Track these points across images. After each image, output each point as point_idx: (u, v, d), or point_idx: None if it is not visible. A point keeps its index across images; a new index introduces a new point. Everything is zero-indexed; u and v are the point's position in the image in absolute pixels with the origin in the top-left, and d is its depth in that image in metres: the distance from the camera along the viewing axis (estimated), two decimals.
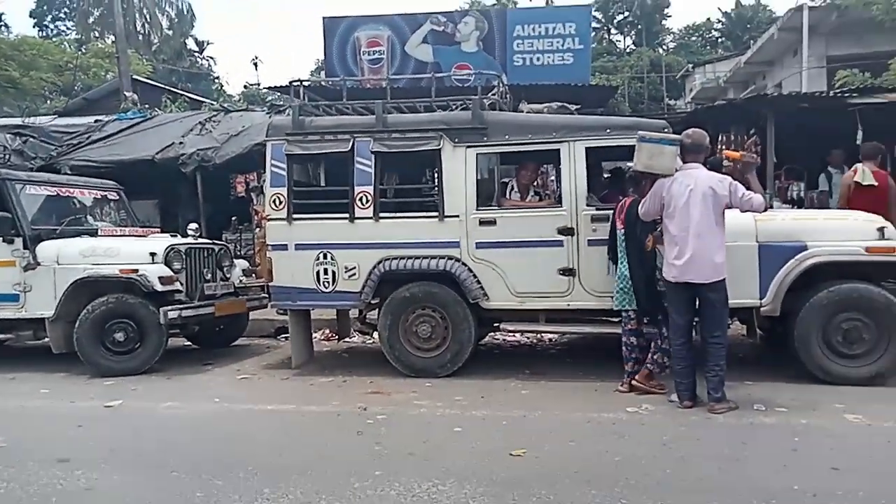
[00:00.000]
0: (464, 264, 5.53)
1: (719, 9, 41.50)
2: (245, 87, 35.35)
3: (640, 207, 4.77)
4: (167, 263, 6.28)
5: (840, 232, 5.08)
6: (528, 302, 5.50)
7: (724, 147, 8.97)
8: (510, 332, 6.23)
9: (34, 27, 36.57)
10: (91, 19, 31.68)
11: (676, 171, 4.55)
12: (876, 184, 6.55)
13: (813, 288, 4.94)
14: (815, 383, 4.87)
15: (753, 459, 3.55)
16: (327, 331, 7.51)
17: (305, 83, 6.70)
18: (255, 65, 42.74)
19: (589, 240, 5.37)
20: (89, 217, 7.42)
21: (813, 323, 4.88)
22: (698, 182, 4.42)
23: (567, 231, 5.39)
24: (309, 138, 5.83)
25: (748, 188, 4.52)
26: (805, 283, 4.97)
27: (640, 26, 40.44)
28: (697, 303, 4.52)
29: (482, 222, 5.54)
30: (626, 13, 41.32)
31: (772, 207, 4.70)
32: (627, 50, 40.24)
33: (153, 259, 6.24)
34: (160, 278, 6.12)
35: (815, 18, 15.92)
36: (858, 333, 4.84)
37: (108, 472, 3.64)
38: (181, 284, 6.35)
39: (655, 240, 4.78)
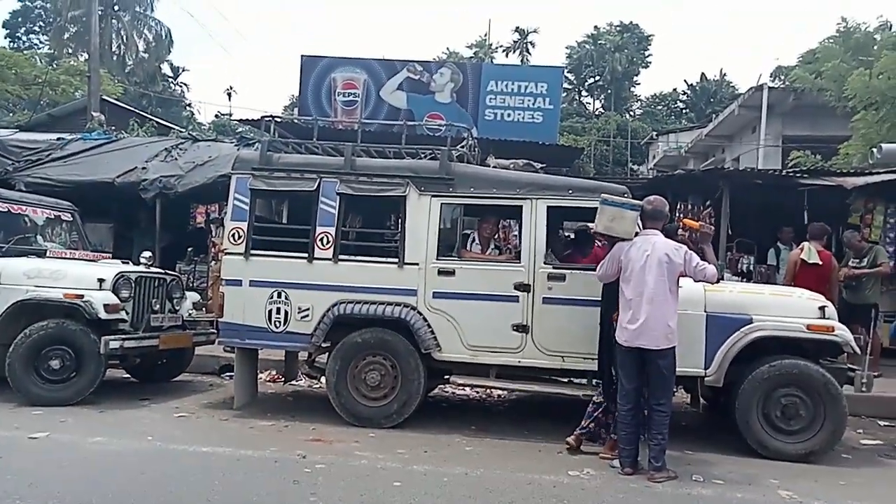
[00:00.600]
0: (419, 313, 5.51)
1: (685, 81, 43.32)
2: (216, 116, 35.27)
3: (598, 269, 4.86)
4: (115, 291, 6.10)
5: (784, 308, 5.23)
6: (480, 355, 5.49)
7: (682, 215, 9.24)
8: (460, 385, 6.18)
9: (6, 38, 36.11)
10: (66, 35, 31.40)
11: (636, 235, 4.66)
12: (820, 263, 6.82)
13: (755, 361, 5.05)
14: (753, 456, 4.93)
15: None
16: (274, 372, 7.35)
17: (277, 119, 6.71)
18: (229, 95, 42.59)
19: (544, 297, 5.41)
20: (39, 237, 7.22)
21: (754, 396, 4.97)
22: (655, 248, 4.52)
23: (523, 287, 5.43)
24: (275, 174, 5.81)
25: (703, 258, 4.66)
26: (748, 356, 5.08)
27: (609, 91, 41.91)
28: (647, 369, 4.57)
29: (441, 272, 5.55)
30: (598, 77, 42.81)
31: (722, 279, 4.83)
32: (596, 112, 41.54)
33: (101, 285, 6.06)
34: (105, 305, 5.93)
35: (773, 98, 16.74)
36: (796, 409, 4.94)
37: None
38: (127, 313, 6.17)
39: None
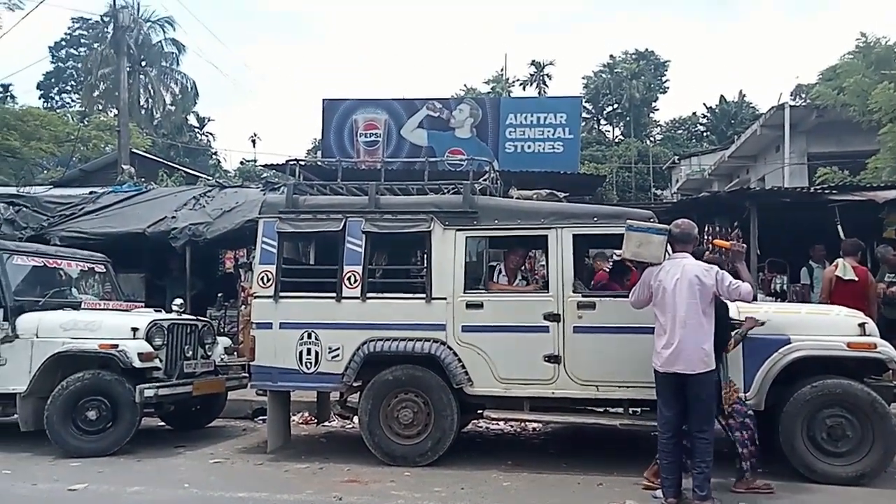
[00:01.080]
0: (449, 348, 5.49)
1: (704, 104, 43.21)
2: (241, 163, 36.08)
3: (630, 296, 4.81)
4: (148, 339, 6.18)
5: (823, 327, 5.11)
6: (512, 388, 5.43)
7: (710, 237, 9.13)
8: (493, 419, 6.10)
9: (40, 98, 37.52)
10: (96, 93, 32.54)
11: (665, 259, 4.61)
12: (857, 279, 6.65)
13: (797, 382, 4.92)
14: (800, 481, 4.76)
15: None
16: (306, 414, 7.34)
17: (301, 162, 6.84)
18: (253, 142, 43.61)
19: (575, 326, 5.36)
20: (74, 289, 7.37)
21: (797, 418, 4.83)
22: (685, 271, 4.46)
23: (553, 317, 5.39)
24: (301, 216, 5.89)
25: (738, 277, 4.58)
26: (788, 378, 4.95)
27: (628, 118, 41.95)
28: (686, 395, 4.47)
29: (469, 305, 5.54)
30: (616, 105, 42.96)
31: (756, 299, 4.74)
32: (616, 140, 41.59)
33: (135, 334, 6.14)
34: (140, 354, 6.01)
35: (796, 117, 16.61)
36: (843, 430, 4.79)
37: None
38: (161, 361, 6.23)
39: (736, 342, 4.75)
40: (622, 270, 6.19)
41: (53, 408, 5.87)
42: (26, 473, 5.33)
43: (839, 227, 8.31)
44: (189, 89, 35.41)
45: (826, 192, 9.00)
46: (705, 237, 9.06)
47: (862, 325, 5.03)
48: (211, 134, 42.51)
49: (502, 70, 39.26)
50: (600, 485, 4.86)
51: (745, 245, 4.90)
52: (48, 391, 5.97)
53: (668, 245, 4.69)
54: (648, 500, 4.45)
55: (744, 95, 41.49)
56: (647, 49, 43.43)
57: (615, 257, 8.31)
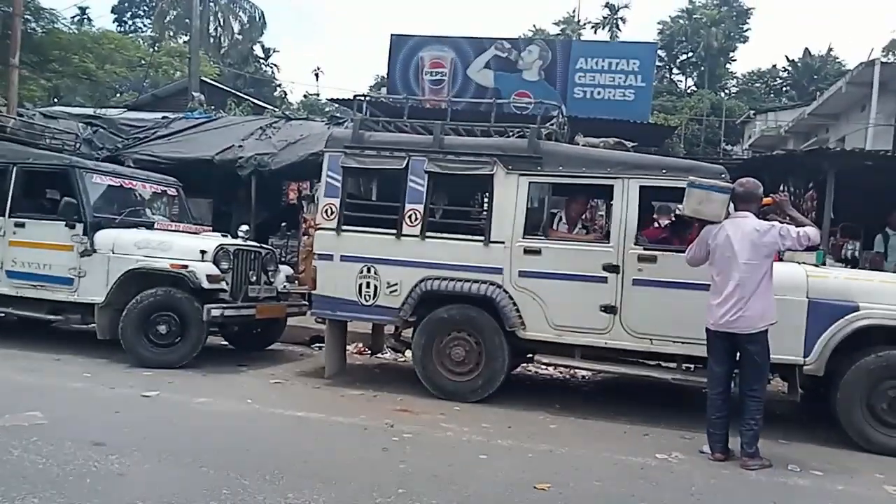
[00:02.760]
0: (505, 291, 5.53)
1: (786, 57, 40.93)
2: (305, 96, 36.32)
3: (686, 253, 4.74)
4: (216, 262, 6.45)
5: (894, 296, 4.92)
6: (565, 335, 5.47)
7: (797, 200, 8.81)
8: (544, 364, 6.18)
9: (114, 22, 38.33)
10: (168, 19, 33.03)
11: (726, 218, 4.50)
12: None
13: (860, 351, 4.79)
14: (854, 449, 4.70)
15: None
16: (360, 344, 7.58)
17: (368, 98, 6.84)
18: (317, 75, 43.71)
19: (634, 279, 5.32)
20: (147, 210, 7.70)
21: (858, 387, 4.72)
22: (744, 230, 4.36)
23: (612, 268, 5.35)
24: (366, 152, 5.95)
25: (796, 224, 4.45)
26: (852, 345, 4.83)
27: (703, 68, 40.12)
28: (738, 354, 4.43)
29: (527, 251, 5.55)
30: (691, 54, 41.06)
31: (825, 265, 4.58)
32: (688, 91, 39.94)
33: (203, 257, 6.42)
34: (208, 276, 6.29)
35: (887, 75, 15.55)
36: None
37: (140, 459, 3.75)
38: (227, 284, 6.51)
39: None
40: (683, 225, 6.05)
41: (128, 320, 6.25)
42: (104, 378, 5.73)
43: None
44: (257, 19, 35.56)
45: None
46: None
47: None
48: (276, 65, 42.80)
49: (574, 11, 37.93)
50: (646, 435, 4.91)
51: (786, 193, 4.70)
52: (123, 304, 6.34)
53: (732, 203, 4.55)
54: (695, 453, 4.48)
55: (831, 49, 39.06)
56: None
57: (678, 212, 8.15)
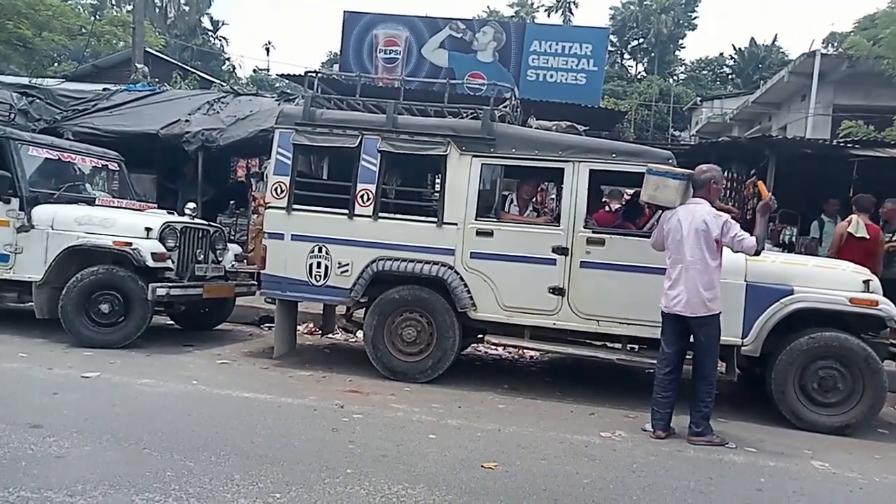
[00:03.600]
0: (456, 272, 5.57)
1: (733, 45, 41.93)
2: (255, 71, 35.43)
3: (650, 238, 4.86)
4: (161, 240, 6.28)
5: (827, 280, 5.15)
6: (515, 316, 5.54)
7: (747, 179, 9.06)
8: (494, 344, 6.27)
9: None
10: None
11: (680, 204, 4.62)
12: (868, 237, 6.65)
13: (794, 332, 5.01)
14: (787, 427, 4.93)
15: (718, 495, 3.60)
16: (311, 325, 7.52)
17: (319, 75, 6.72)
18: (267, 50, 42.68)
19: (582, 261, 5.42)
20: (87, 185, 7.42)
21: (790, 367, 4.94)
22: (695, 217, 4.49)
23: (562, 250, 5.44)
24: (318, 130, 5.86)
25: (752, 229, 4.59)
26: (787, 327, 5.04)
27: (653, 54, 40.80)
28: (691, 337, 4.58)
29: (479, 232, 5.58)
30: (641, 40, 41.67)
31: (763, 250, 4.74)
32: (638, 76, 40.54)
33: (148, 234, 6.24)
34: (153, 254, 6.12)
35: (826, 66, 16.14)
36: (834, 382, 4.91)
37: (79, 441, 3.65)
38: (173, 262, 6.35)
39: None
40: (635, 210, 6.20)
41: (68, 298, 6.03)
42: (42, 358, 5.53)
43: (851, 185, 8.22)
44: None
45: (848, 146, 8.85)
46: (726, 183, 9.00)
47: (866, 282, 5.08)
48: (224, 38, 41.61)
49: None
50: (592, 414, 5.04)
51: (776, 204, 4.78)
52: (63, 282, 6.12)
53: (690, 189, 4.67)
54: (638, 431, 4.62)
55: (775, 39, 40.23)
56: None
57: (636, 198, 8.32)
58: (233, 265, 7.25)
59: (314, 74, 6.61)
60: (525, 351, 6.96)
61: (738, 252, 4.62)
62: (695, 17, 42.16)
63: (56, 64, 23.14)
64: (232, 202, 10.29)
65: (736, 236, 4.45)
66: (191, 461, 3.45)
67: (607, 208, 6.96)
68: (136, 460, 3.44)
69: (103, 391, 4.77)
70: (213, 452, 3.58)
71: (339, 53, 15.94)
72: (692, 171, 4.71)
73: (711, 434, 4.47)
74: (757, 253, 4.55)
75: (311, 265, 5.76)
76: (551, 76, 13.95)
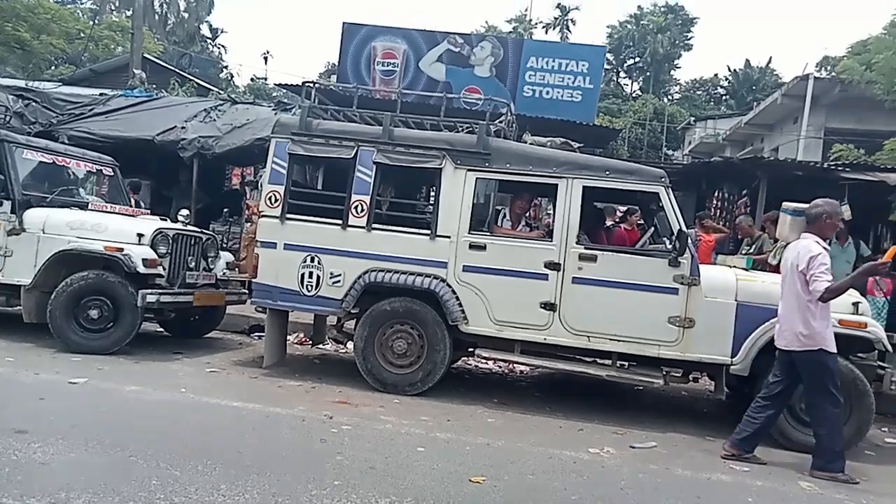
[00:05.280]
0: (448, 285, 5.57)
1: (728, 67, 42.33)
2: (252, 79, 35.52)
3: None
4: (153, 246, 6.26)
5: None
6: (506, 330, 5.54)
7: (718, 206, 9.13)
8: (484, 358, 6.26)
9: None
10: None
11: (794, 240, 4.67)
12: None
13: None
14: (775, 447, 4.94)
15: None
16: (301, 335, 7.50)
17: (317, 85, 6.75)
18: (265, 59, 42.83)
19: (574, 277, 5.43)
20: (81, 189, 7.40)
21: None
22: (794, 253, 4.50)
23: (554, 266, 5.45)
24: (314, 140, 5.87)
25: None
26: (776, 347, 5.05)
27: (648, 73, 41.14)
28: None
29: (472, 246, 5.59)
30: (637, 59, 42.03)
31: (831, 300, 4.72)
32: (633, 95, 40.85)
33: (140, 240, 6.22)
34: (144, 260, 6.10)
35: (819, 89, 16.33)
36: None
37: (65, 448, 3.62)
38: (164, 269, 6.33)
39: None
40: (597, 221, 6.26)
41: (57, 303, 6.00)
42: (29, 363, 5.49)
43: (846, 206, 8.29)
44: None
45: (839, 169, 8.94)
46: (714, 202, 9.08)
47: (856, 305, 5.11)
48: (223, 46, 41.73)
49: (527, 10, 38.28)
50: (581, 430, 5.04)
51: (886, 269, 4.64)
52: (52, 286, 6.09)
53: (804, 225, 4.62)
54: (626, 448, 4.62)
55: (770, 61, 40.63)
56: (676, 3, 42.20)
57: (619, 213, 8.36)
58: (224, 273, 7.23)
59: (311, 85, 6.64)
60: (515, 365, 6.95)
61: (812, 290, 4.36)
62: (690, 38, 42.60)
63: (53, 67, 23.12)
64: (226, 210, 10.29)
65: (814, 274, 4.31)
66: (177, 470, 3.42)
67: (625, 226, 7.00)
68: (121, 468, 3.41)
69: (90, 397, 4.73)
70: (200, 461, 3.55)
71: (336, 64, 16.00)
72: (807, 206, 4.66)
73: (837, 471, 4.35)
74: (822, 300, 4.34)
75: (303, 275, 5.75)
76: (547, 92, 14.06)
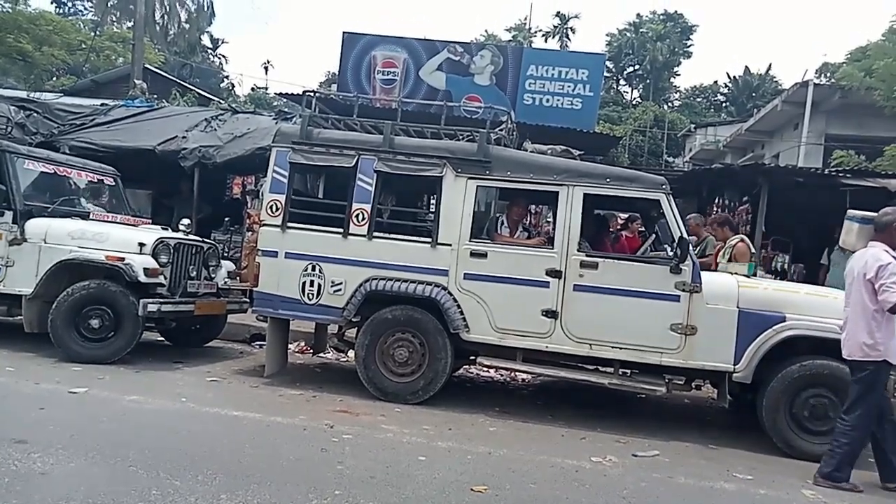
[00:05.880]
0: (450, 293, 5.56)
1: (727, 74, 42.43)
2: (253, 89, 35.64)
3: None
4: (154, 255, 6.26)
5: (820, 308, 5.14)
6: (507, 338, 5.52)
7: (719, 212, 9.12)
8: (485, 366, 6.24)
9: (52, 3, 36.67)
10: (110, 2, 31.79)
11: (861, 248, 4.57)
12: None
13: (786, 360, 5.01)
14: (778, 455, 4.91)
15: None
16: (303, 343, 7.48)
17: (317, 94, 6.77)
18: (266, 68, 43.01)
19: (575, 284, 5.41)
20: (82, 199, 7.41)
21: (782, 395, 4.94)
22: (861, 262, 4.40)
23: (555, 273, 5.44)
24: (315, 149, 5.88)
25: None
26: (779, 355, 5.04)
27: (648, 81, 41.23)
28: None
29: (473, 254, 5.58)
30: (637, 66, 42.13)
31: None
32: (633, 102, 40.94)
33: (141, 249, 6.22)
34: (145, 269, 6.10)
35: (819, 95, 16.34)
36: (825, 410, 4.90)
37: (65, 458, 3.61)
38: (165, 278, 6.33)
39: None
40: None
41: (58, 313, 5.99)
42: (29, 373, 5.48)
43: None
44: (205, 8, 34.68)
45: (840, 175, 8.94)
46: (715, 209, 9.07)
47: None
48: (224, 56, 41.90)
49: (526, 19, 38.43)
50: (583, 439, 5.01)
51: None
52: (53, 296, 6.08)
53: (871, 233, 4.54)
54: (628, 457, 4.59)
55: (770, 68, 40.72)
56: (675, 11, 42.33)
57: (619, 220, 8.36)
58: (225, 282, 7.23)
59: (312, 94, 6.67)
60: (517, 373, 6.94)
61: (881, 298, 4.23)
62: (690, 45, 42.68)
63: (55, 78, 23.19)
64: (227, 219, 10.28)
65: (884, 284, 4.19)
66: (177, 480, 3.41)
67: (626, 233, 6.97)
68: (121, 478, 3.40)
69: (91, 407, 4.72)
70: (200, 471, 3.54)
71: (337, 73, 16.05)
72: (876, 215, 4.58)
73: (843, 481, 4.30)
74: (893, 311, 4.20)
75: (304, 283, 5.74)
76: (547, 100, 14.08)
